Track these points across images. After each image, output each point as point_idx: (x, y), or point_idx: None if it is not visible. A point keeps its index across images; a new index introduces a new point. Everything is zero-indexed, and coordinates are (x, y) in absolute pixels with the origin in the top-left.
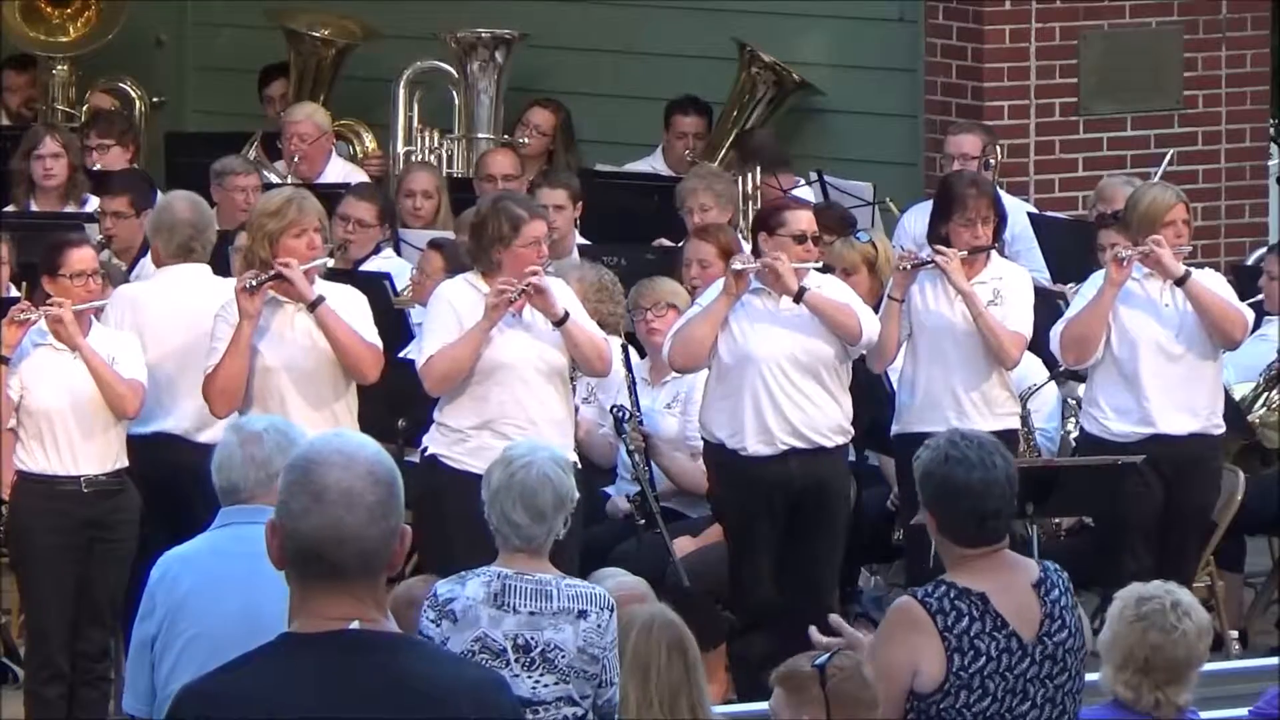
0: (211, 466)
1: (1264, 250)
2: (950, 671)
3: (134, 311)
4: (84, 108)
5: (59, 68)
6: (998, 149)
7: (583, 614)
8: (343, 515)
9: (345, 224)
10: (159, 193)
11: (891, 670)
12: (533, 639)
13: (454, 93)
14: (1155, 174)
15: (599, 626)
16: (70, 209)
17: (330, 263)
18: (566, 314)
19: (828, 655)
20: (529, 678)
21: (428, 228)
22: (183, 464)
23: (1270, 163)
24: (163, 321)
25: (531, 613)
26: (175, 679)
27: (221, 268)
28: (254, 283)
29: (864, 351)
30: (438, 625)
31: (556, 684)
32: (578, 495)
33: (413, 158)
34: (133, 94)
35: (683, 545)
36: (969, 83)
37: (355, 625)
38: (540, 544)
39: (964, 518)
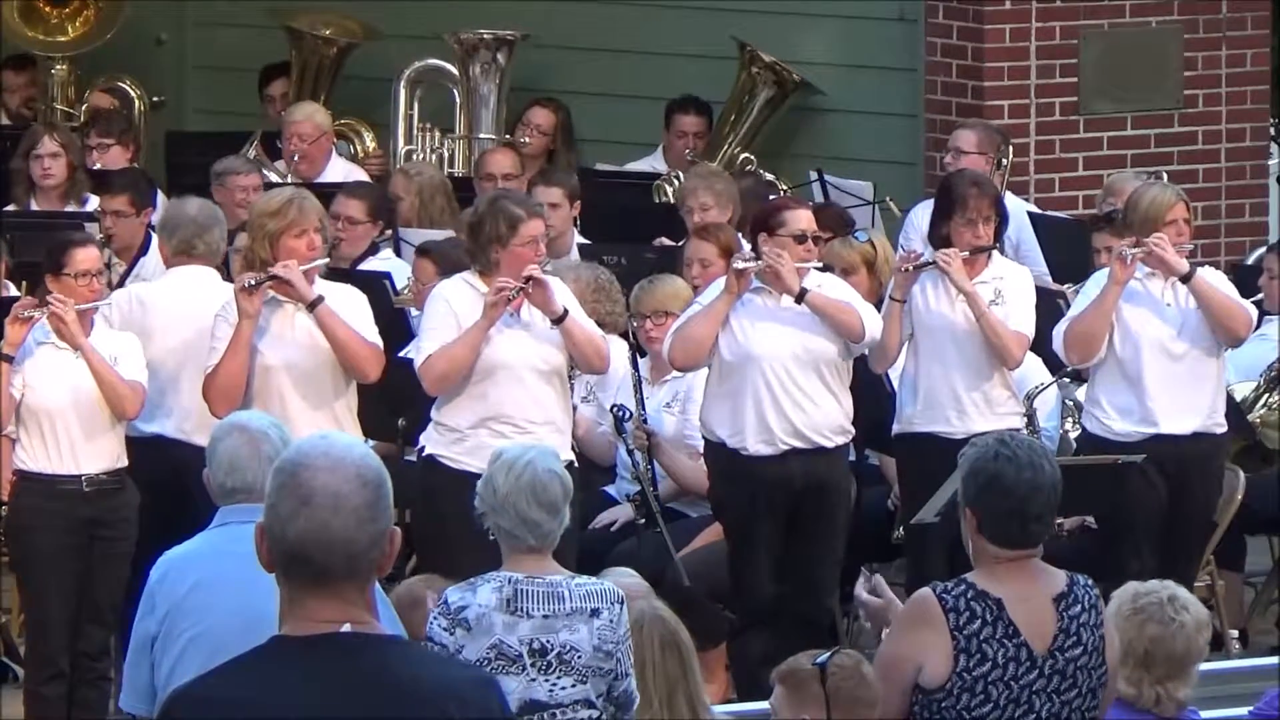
0: (213, 467)
1: (1264, 250)
2: (955, 671)
3: (142, 311)
4: (84, 107)
5: (58, 67)
6: (1010, 149)
7: (595, 612)
8: (329, 519)
9: (336, 222)
10: (159, 192)
11: (896, 662)
12: (548, 642)
13: (455, 92)
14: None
15: (611, 622)
16: (71, 208)
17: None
18: (565, 311)
19: (828, 654)
20: (546, 681)
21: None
22: (184, 464)
23: (1270, 163)
24: (167, 321)
25: (545, 616)
26: (177, 679)
27: (227, 270)
28: (252, 282)
29: (866, 350)
30: (451, 634)
31: (574, 686)
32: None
33: (414, 156)
34: (132, 93)
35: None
36: (969, 82)
37: (346, 628)
38: (553, 540)
39: (1007, 518)
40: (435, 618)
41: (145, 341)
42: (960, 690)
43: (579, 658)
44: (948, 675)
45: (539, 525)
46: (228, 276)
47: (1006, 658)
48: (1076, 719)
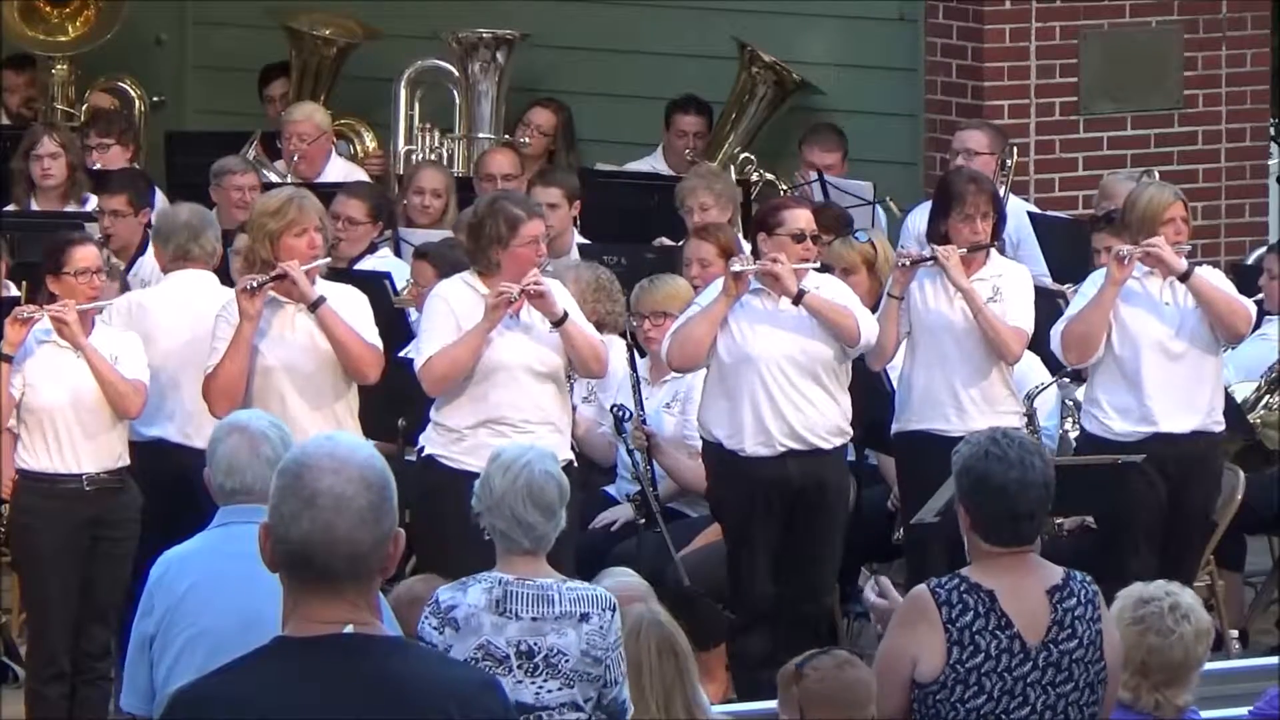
0: (213, 467)
1: (1264, 250)
2: (948, 664)
3: (141, 316)
4: (84, 107)
5: (58, 67)
6: (1014, 150)
7: (585, 617)
8: (333, 520)
9: (336, 222)
10: (158, 191)
11: (893, 658)
12: (535, 645)
13: (455, 92)
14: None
15: (601, 628)
16: (71, 208)
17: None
18: (565, 314)
19: (812, 654)
20: (532, 684)
21: (434, 227)
22: (186, 468)
23: (1270, 163)
24: (167, 326)
25: (534, 618)
26: (175, 678)
27: (223, 270)
28: (255, 284)
29: (863, 352)
30: (440, 633)
31: (560, 689)
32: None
33: (414, 157)
34: (132, 93)
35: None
36: (969, 82)
37: (349, 629)
38: (548, 542)
39: (997, 516)
40: (426, 617)
41: (146, 346)
42: (954, 683)
43: (566, 661)
44: (941, 668)
45: (534, 528)
46: (226, 277)
47: (999, 649)
48: (1074, 712)
